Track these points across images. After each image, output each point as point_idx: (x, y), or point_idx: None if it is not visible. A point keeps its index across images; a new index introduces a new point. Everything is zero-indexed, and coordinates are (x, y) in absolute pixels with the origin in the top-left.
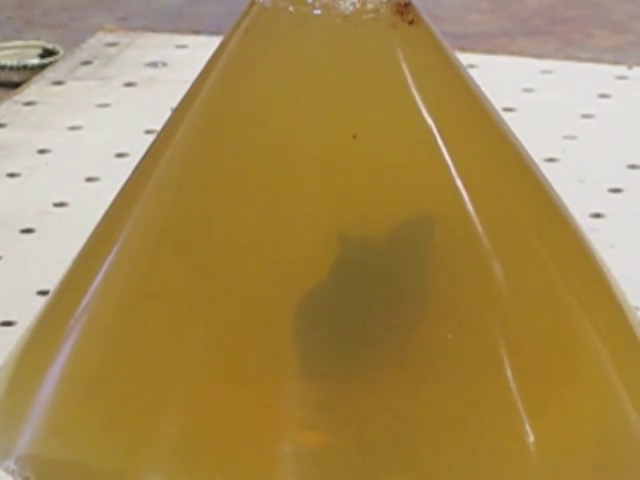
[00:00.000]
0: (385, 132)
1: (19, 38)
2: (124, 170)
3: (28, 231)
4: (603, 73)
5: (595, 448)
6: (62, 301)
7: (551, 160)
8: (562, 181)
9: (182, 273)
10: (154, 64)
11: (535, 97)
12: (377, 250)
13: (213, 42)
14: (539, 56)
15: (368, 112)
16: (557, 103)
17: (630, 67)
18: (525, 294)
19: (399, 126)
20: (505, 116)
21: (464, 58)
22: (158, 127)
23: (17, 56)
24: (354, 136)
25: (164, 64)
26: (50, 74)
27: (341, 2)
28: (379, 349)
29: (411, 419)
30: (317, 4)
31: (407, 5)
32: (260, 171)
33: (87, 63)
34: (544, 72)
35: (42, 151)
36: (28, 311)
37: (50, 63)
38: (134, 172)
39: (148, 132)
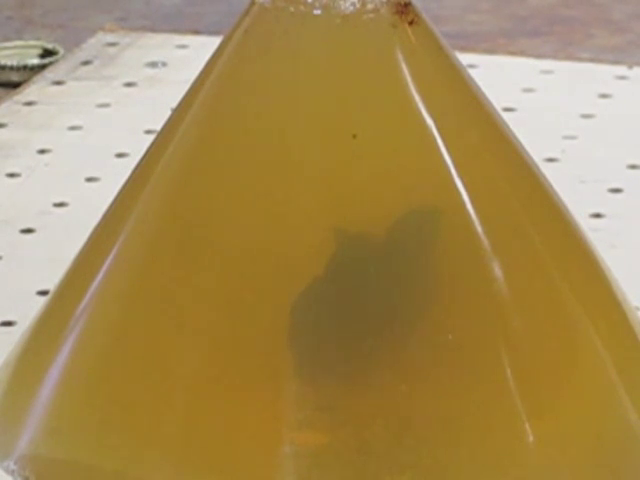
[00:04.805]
0: (385, 132)
1: (19, 38)
2: (124, 170)
3: (28, 231)
4: (603, 73)
5: (595, 448)
6: (62, 301)
7: (551, 160)
8: (562, 181)
9: (181, 273)
10: (154, 64)
11: (535, 97)
12: (375, 247)
13: (213, 42)
14: (539, 56)
15: (368, 112)
16: (557, 103)
17: (630, 67)
18: (525, 293)
19: (399, 126)
20: (505, 116)
21: (464, 58)
22: (158, 127)
23: (17, 56)
24: (354, 136)
25: (164, 64)
26: (50, 74)
27: (341, 2)
28: (378, 348)
29: (411, 419)
30: (317, 4)
31: (407, 5)
32: (259, 170)
33: (87, 63)
34: (544, 72)
35: (42, 151)
36: (28, 311)
37: (50, 63)
38: (134, 172)
39: (148, 132)
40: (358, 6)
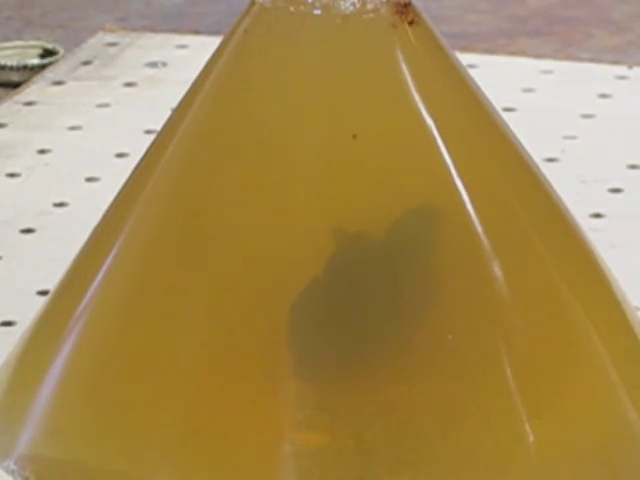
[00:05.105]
0: (385, 132)
1: (19, 38)
2: (124, 170)
3: (28, 231)
4: (603, 73)
5: (595, 448)
6: (62, 301)
7: (551, 160)
8: (562, 181)
9: (181, 273)
10: (154, 64)
11: (535, 97)
12: (375, 247)
13: (213, 42)
14: (539, 56)
15: (368, 112)
16: (557, 103)
17: (630, 67)
18: (525, 294)
19: (399, 126)
20: (505, 116)
21: (464, 58)
22: (158, 127)
23: (17, 56)
24: (354, 136)
25: (164, 64)
26: (50, 74)
27: (341, 2)
28: (378, 348)
29: (411, 419)
30: (317, 4)
31: (407, 5)
32: (259, 170)
33: (87, 63)
34: (544, 72)
35: (42, 151)
36: (28, 311)
37: (50, 63)
38: (134, 172)
39: (148, 132)
40: (358, 6)
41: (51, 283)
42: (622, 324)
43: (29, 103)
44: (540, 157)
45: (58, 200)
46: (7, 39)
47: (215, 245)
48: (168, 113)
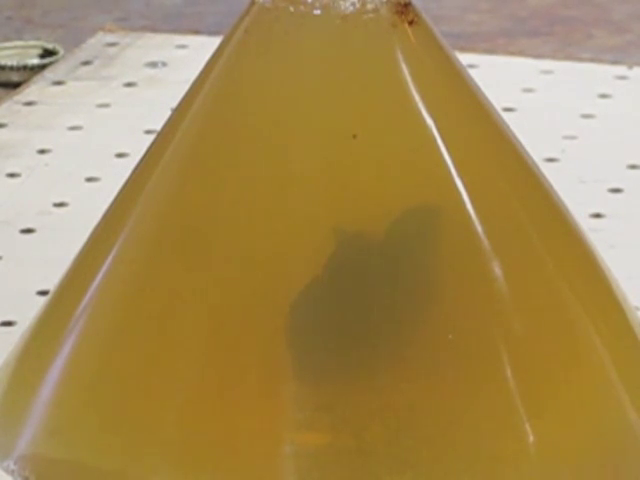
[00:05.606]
0: (385, 132)
1: (19, 38)
2: (124, 170)
3: (28, 231)
4: (603, 73)
5: (595, 448)
6: (62, 301)
7: (551, 160)
8: (562, 181)
9: (181, 273)
10: (154, 64)
11: (535, 97)
12: (375, 246)
13: (213, 42)
14: (539, 56)
15: (368, 112)
16: (557, 103)
17: (630, 67)
18: (525, 294)
19: (399, 126)
20: (505, 116)
21: (464, 58)
22: (158, 127)
23: (17, 56)
24: (354, 136)
25: (164, 64)
26: (50, 74)
27: (341, 2)
28: (378, 348)
29: (411, 419)
30: (317, 4)
31: (407, 5)
32: (259, 170)
33: (87, 63)
34: (544, 72)
35: (42, 151)
36: (28, 311)
37: (50, 63)
38: (134, 172)
39: (148, 132)
40: (358, 6)
41: (51, 283)
42: (622, 324)
43: (29, 103)
44: (540, 157)
45: (58, 200)
46: (7, 39)
47: (215, 245)
48: (168, 113)
